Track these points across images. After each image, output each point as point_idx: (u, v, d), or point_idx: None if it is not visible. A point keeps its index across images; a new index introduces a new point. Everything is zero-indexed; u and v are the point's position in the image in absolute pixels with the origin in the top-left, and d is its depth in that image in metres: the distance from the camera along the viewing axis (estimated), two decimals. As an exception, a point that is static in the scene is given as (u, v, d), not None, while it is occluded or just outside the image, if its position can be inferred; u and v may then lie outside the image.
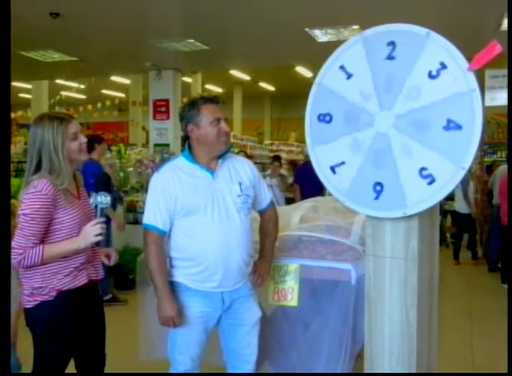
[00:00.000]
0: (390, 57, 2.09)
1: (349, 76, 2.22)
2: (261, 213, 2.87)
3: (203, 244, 2.57)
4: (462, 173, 1.97)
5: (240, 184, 2.67)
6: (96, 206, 2.46)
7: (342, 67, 2.23)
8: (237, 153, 8.94)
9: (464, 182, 8.67)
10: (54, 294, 2.43)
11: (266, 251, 2.83)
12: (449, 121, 1.97)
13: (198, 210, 2.57)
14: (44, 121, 2.45)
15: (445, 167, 2.00)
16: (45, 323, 2.45)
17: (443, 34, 1.99)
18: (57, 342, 2.46)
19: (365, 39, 2.16)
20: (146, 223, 2.61)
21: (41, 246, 2.37)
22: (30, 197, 2.36)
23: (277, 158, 9.92)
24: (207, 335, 2.71)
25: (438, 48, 1.99)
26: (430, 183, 2.03)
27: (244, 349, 2.75)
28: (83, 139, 2.53)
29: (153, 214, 2.59)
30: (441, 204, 8.83)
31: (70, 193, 2.51)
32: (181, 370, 2.64)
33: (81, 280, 2.51)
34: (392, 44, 2.07)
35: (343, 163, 2.25)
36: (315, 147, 2.30)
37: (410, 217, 2.11)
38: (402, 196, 2.09)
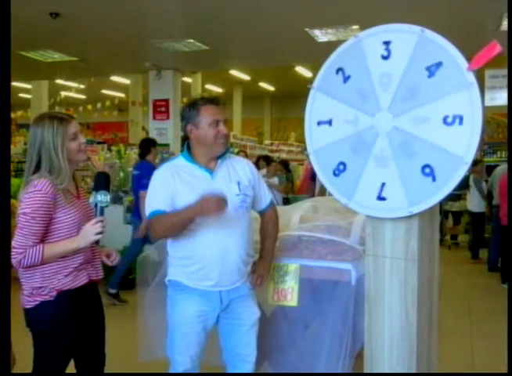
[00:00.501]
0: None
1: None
2: (261, 213, 2.86)
3: (201, 242, 2.57)
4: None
5: (239, 184, 2.67)
6: (96, 205, 2.45)
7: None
8: (237, 153, 8.94)
9: (478, 182, 8.73)
10: (54, 294, 2.43)
11: (266, 251, 2.83)
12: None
13: None
14: (44, 121, 2.45)
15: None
16: (45, 323, 2.45)
17: (443, 34, 1.99)
18: (57, 342, 2.46)
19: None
20: (152, 211, 2.56)
21: (41, 245, 2.37)
22: (31, 197, 2.36)
23: (266, 159, 9.86)
24: (207, 335, 2.71)
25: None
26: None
27: (243, 349, 2.75)
28: (82, 139, 2.53)
29: (157, 201, 2.58)
30: (441, 204, 8.91)
31: (70, 192, 2.51)
32: (180, 370, 2.65)
33: (82, 279, 2.51)
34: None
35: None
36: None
37: (410, 217, 2.11)
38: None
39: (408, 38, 2.04)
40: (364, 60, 2.16)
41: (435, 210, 2.30)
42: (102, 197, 2.44)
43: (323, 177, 2.28)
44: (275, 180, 8.88)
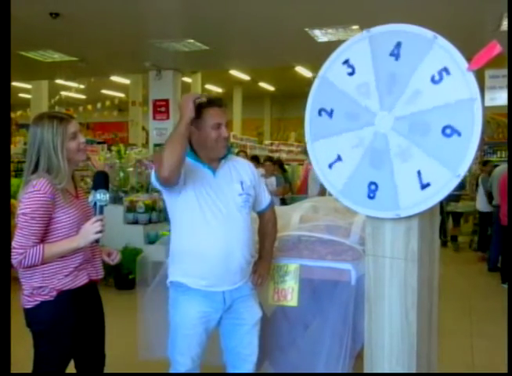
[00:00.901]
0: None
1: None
2: (261, 214, 2.87)
3: (204, 242, 2.57)
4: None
5: (242, 183, 2.69)
6: (95, 204, 2.45)
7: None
8: (237, 154, 8.90)
9: (486, 182, 8.74)
10: (54, 294, 2.43)
11: (266, 252, 2.84)
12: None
13: (199, 207, 2.58)
14: (43, 121, 2.45)
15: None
16: (45, 323, 2.44)
17: (443, 34, 1.98)
18: (57, 343, 2.46)
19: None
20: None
21: (41, 245, 2.37)
22: (30, 197, 2.36)
23: (255, 159, 9.71)
24: (208, 336, 2.70)
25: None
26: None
27: (245, 349, 2.75)
28: (82, 139, 2.52)
29: None
30: (442, 204, 8.93)
31: (69, 192, 2.51)
32: (181, 371, 2.64)
33: (82, 279, 2.51)
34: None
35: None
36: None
37: (410, 217, 2.11)
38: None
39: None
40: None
41: (435, 210, 2.30)
42: (102, 196, 2.43)
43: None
44: (273, 180, 8.84)
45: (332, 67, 2.27)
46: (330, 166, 2.26)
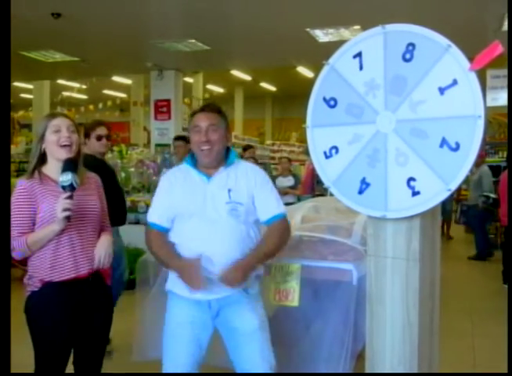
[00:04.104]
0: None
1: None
2: (268, 225, 2.64)
3: (187, 250, 2.52)
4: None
5: (229, 191, 2.54)
6: (63, 187, 2.47)
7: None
8: (242, 154, 8.63)
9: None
10: (39, 285, 2.51)
11: (251, 254, 2.55)
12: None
13: (187, 214, 2.55)
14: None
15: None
16: (29, 313, 2.53)
17: (444, 34, 1.97)
18: (43, 333, 2.51)
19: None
20: (149, 222, 2.64)
21: (24, 236, 2.46)
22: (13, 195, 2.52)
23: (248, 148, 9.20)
24: (202, 344, 2.58)
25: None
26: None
27: (246, 364, 2.55)
28: (64, 134, 2.55)
29: (154, 212, 2.63)
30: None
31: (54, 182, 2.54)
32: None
33: (68, 273, 2.51)
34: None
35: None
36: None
37: (412, 217, 2.10)
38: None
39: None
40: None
41: (437, 209, 2.29)
42: (63, 177, 2.46)
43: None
44: (291, 179, 8.47)
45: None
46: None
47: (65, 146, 2.54)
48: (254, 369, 2.53)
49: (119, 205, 4.27)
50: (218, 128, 2.57)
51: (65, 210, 2.41)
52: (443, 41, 2.00)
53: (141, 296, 3.15)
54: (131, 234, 6.43)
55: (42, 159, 2.58)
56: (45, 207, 2.50)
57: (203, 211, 2.52)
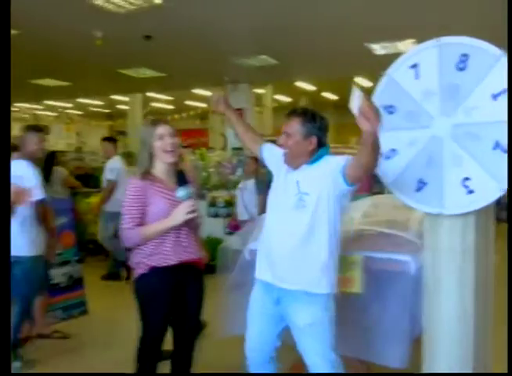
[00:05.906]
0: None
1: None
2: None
3: (265, 234, 2.52)
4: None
5: (297, 183, 2.35)
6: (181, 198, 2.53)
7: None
8: None
9: None
10: (146, 269, 2.57)
11: None
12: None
13: (273, 203, 2.54)
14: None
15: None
16: (139, 293, 2.61)
17: (494, 42, 1.88)
18: (150, 309, 2.59)
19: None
20: None
21: (139, 227, 2.52)
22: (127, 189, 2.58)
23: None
24: (274, 327, 2.51)
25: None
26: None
27: (303, 352, 2.43)
28: (168, 141, 2.59)
29: None
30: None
31: (163, 184, 2.60)
32: (247, 347, 2.58)
33: (172, 259, 2.58)
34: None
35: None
36: None
37: (467, 214, 2.02)
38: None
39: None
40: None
41: (491, 208, 2.19)
42: (183, 192, 2.51)
43: None
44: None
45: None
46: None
47: (170, 151, 2.59)
48: (308, 361, 2.42)
49: None
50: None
51: (188, 213, 2.49)
52: (495, 50, 1.92)
53: (221, 279, 3.18)
54: (212, 226, 6.55)
55: (150, 161, 2.61)
56: (155, 203, 2.54)
57: (277, 200, 2.51)
